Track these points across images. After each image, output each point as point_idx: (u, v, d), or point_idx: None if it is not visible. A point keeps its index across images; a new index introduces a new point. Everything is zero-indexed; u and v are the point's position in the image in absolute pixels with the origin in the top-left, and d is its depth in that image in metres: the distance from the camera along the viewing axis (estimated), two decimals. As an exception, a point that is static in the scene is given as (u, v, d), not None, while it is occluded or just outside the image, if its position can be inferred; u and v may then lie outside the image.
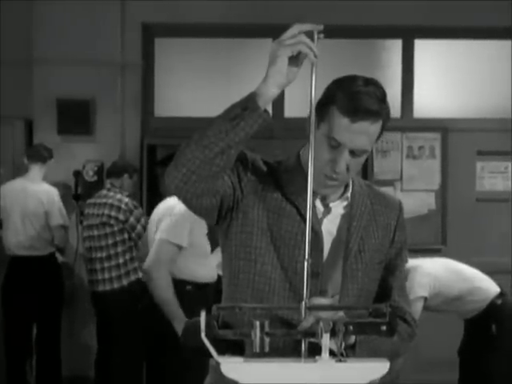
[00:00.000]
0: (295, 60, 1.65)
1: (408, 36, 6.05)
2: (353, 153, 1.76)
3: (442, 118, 6.01)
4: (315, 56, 1.64)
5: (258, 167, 1.86)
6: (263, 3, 5.79)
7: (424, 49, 6.06)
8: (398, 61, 6.07)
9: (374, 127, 1.76)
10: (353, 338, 1.69)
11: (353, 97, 1.73)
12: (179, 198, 1.75)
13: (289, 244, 1.80)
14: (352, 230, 1.85)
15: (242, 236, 1.83)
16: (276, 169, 1.87)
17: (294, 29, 1.64)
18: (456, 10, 5.80)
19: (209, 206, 1.76)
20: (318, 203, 1.85)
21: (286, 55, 1.62)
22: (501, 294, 3.87)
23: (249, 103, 1.65)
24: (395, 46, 6.08)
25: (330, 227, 1.85)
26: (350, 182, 1.90)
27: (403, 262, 1.95)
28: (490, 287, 3.88)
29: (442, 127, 5.95)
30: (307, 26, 1.65)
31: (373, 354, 1.72)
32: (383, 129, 1.81)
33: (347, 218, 1.86)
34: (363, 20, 5.87)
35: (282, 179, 1.85)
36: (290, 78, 1.66)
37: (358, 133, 1.73)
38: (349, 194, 1.88)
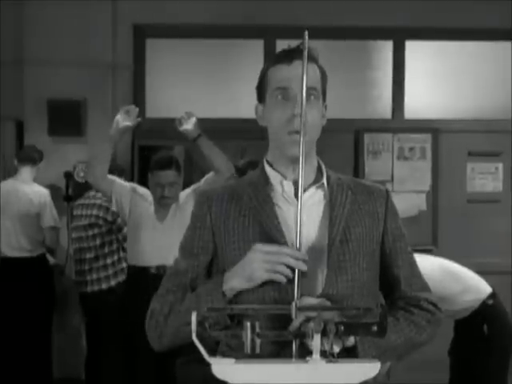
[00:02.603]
0: None
1: (399, 37, 6.06)
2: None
3: (433, 119, 6.03)
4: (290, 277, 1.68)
5: (216, 206, 1.85)
6: (255, 4, 5.79)
7: (415, 50, 6.08)
8: (388, 62, 6.08)
9: (310, 67, 1.75)
10: (352, 339, 1.66)
11: (279, 52, 1.81)
12: None
13: None
14: (333, 219, 1.80)
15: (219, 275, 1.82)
16: (239, 185, 1.88)
17: (278, 250, 1.69)
18: (446, 12, 5.83)
19: None
20: (291, 193, 1.82)
21: (262, 279, 1.69)
22: (492, 295, 3.87)
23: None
24: (386, 47, 6.09)
25: (306, 218, 1.77)
26: (323, 169, 1.88)
27: (405, 249, 1.89)
28: (482, 287, 3.88)
29: (432, 128, 5.97)
30: None
31: (383, 349, 1.71)
32: (324, 77, 1.85)
33: (327, 208, 1.83)
34: (354, 21, 5.88)
35: (244, 194, 1.84)
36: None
37: (298, 71, 1.71)
38: (324, 181, 1.85)
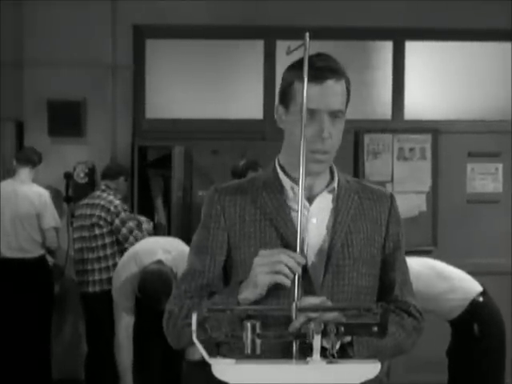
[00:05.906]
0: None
1: (399, 38, 6.06)
2: (331, 115, 1.77)
3: (433, 120, 6.03)
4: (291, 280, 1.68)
5: (229, 207, 1.86)
6: (255, 5, 5.79)
7: (415, 50, 6.08)
8: (388, 62, 6.08)
9: (339, 85, 1.79)
10: (348, 337, 1.68)
11: (311, 65, 1.72)
12: None
13: None
14: (337, 225, 1.83)
15: (231, 277, 1.85)
16: (252, 187, 1.87)
17: (276, 252, 1.70)
18: (446, 12, 5.83)
19: None
20: (304, 199, 1.82)
21: (266, 284, 1.69)
22: (482, 293, 3.84)
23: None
24: (386, 48, 6.09)
25: (317, 223, 1.83)
26: (336, 173, 1.90)
27: (402, 256, 1.93)
28: (471, 286, 3.85)
29: (432, 129, 5.96)
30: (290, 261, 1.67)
31: (374, 350, 1.73)
32: (349, 92, 1.83)
33: (333, 213, 1.85)
34: (354, 22, 5.88)
35: (260, 198, 1.85)
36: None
37: (328, 93, 1.76)
38: (335, 185, 1.87)
